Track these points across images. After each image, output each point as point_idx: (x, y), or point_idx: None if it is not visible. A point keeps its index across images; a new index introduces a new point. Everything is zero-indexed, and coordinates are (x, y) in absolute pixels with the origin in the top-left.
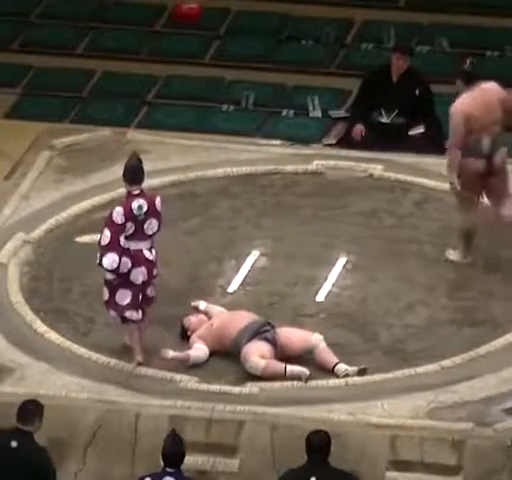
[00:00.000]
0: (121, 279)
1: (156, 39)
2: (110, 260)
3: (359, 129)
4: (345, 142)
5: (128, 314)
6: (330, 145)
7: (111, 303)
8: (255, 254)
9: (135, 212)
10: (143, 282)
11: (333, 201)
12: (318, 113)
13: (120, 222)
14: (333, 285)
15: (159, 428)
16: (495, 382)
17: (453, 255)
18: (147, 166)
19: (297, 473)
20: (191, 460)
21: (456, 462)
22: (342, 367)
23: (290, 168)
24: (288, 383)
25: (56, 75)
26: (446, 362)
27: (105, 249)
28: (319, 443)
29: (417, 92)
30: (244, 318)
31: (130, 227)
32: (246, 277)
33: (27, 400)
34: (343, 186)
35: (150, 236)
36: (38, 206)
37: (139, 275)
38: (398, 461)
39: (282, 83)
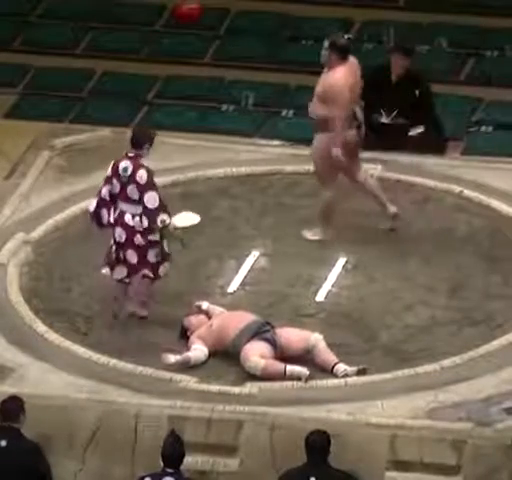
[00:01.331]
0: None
1: (156, 39)
2: (90, 203)
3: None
4: None
5: (105, 270)
6: None
7: (108, 251)
8: (255, 254)
9: (120, 172)
10: (119, 243)
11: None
12: None
13: (108, 175)
14: (333, 285)
15: (159, 428)
16: (495, 382)
17: (311, 234)
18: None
19: (297, 473)
20: (191, 460)
21: (456, 462)
22: (341, 367)
23: (290, 168)
24: (288, 383)
25: (56, 75)
26: (446, 362)
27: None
28: (319, 443)
29: (417, 92)
30: (244, 318)
31: (116, 184)
32: (246, 277)
33: (6, 398)
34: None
35: (134, 202)
36: (38, 206)
37: (117, 235)
38: (398, 461)
39: (282, 83)
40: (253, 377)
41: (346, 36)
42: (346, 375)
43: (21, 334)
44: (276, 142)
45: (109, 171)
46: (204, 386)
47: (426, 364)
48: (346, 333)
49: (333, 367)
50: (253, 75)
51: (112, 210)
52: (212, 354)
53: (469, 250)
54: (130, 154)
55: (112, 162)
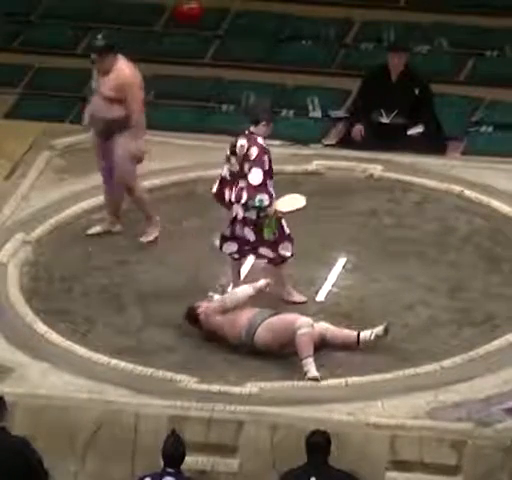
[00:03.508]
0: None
1: (156, 39)
2: (214, 185)
3: (359, 129)
4: (345, 142)
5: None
6: (330, 145)
7: (231, 222)
8: None
9: (237, 150)
10: (237, 219)
11: (333, 201)
12: (318, 113)
13: (227, 154)
14: (333, 285)
15: (159, 428)
16: (495, 382)
17: (146, 236)
18: (147, 166)
19: (297, 473)
20: (191, 460)
21: (456, 462)
22: (367, 333)
23: (290, 168)
24: (288, 383)
25: (56, 75)
26: (446, 362)
27: None
28: (319, 443)
29: (416, 92)
30: (252, 310)
31: (234, 163)
32: (246, 277)
33: None
34: (343, 186)
35: (245, 177)
36: (38, 206)
37: (234, 211)
38: (398, 461)
39: (282, 83)
40: (253, 377)
41: (99, 36)
42: (377, 336)
43: (21, 334)
44: (276, 142)
45: (228, 150)
46: (204, 386)
47: (426, 364)
48: None
49: (358, 337)
50: (253, 75)
51: (234, 188)
52: (218, 340)
53: (469, 250)
54: (247, 131)
55: (231, 141)
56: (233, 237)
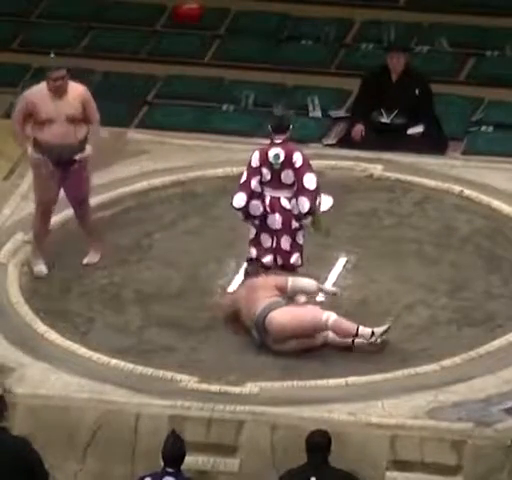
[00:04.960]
0: (259, 223)
1: (156, 39)
2: (237, 198)
3: (359, 129)
4: (345, 142)
5: (265, 260)
6: (330, 145)
7: (255, 243)
8: None
9: (271, 160)
10: (277, 230)
11: (333, 201)
12: (318, 113)
13: (254, 165)
14: (333, 285)
15: (159, 428)
16: (495, 382)
17: (37, 268)
18: (147, 166)
19: (297, 473)
20: (191, 460)
21: (456, 462)
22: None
23: None
24: (288, 383)
25: None
26: (446, 362)
27: (237, 188)
28: (319, 443)
29: (417, 92)
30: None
31: (267, 173)
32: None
33: None
34: (343, 186)
35: (288, 186)
36: None
37: (274, 221)
38: (398, 461)
39: (282, 83)
40: (253, 377)
41: (51, 55)
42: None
43: (21, 334)
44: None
45: (256, 162)
46: (204, 386)
47: (426, 364)
48: None
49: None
50: (253, 75)
51: (266, 200)
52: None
53: (469, 250)
54: (277, 141)
55: (255, 152)
56: (273, 249)
